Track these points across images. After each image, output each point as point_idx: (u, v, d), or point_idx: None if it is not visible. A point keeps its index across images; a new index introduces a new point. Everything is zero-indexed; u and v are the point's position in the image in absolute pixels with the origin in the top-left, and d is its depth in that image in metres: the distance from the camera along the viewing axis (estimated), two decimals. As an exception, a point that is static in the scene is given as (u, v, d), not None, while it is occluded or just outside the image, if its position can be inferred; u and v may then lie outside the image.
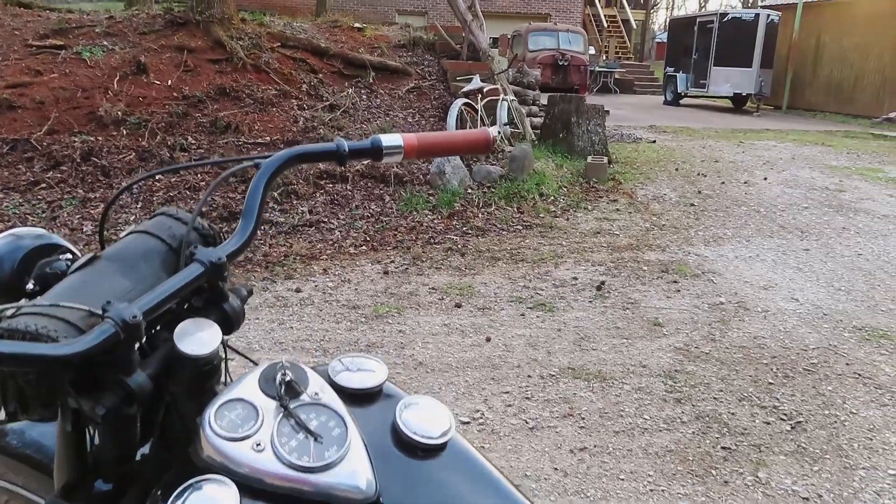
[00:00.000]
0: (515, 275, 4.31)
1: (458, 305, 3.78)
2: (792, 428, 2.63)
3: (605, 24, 25.29)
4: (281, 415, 0.69)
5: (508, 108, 7.64)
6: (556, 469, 2.34)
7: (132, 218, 4.77)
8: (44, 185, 5.08)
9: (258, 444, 0.65)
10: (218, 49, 7.25)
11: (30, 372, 0.64)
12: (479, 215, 5.45)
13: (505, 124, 7.43)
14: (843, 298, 4.04)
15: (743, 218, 5.88)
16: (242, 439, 0.66)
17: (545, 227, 5.35)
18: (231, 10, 7.84)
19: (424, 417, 0.76)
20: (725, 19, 16.34)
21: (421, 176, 5.98)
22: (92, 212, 4.83)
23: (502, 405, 2.74)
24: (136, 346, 0.68)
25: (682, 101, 17.61)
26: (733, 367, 3.13)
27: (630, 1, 26.66)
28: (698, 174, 7.63)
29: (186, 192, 5.13)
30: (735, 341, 3.41)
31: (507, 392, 2.84)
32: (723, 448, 2.48)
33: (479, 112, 7.02)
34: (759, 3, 21.77)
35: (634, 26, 26.57)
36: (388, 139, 0.96)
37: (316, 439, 0.67)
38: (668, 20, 25.88)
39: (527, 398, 2.81)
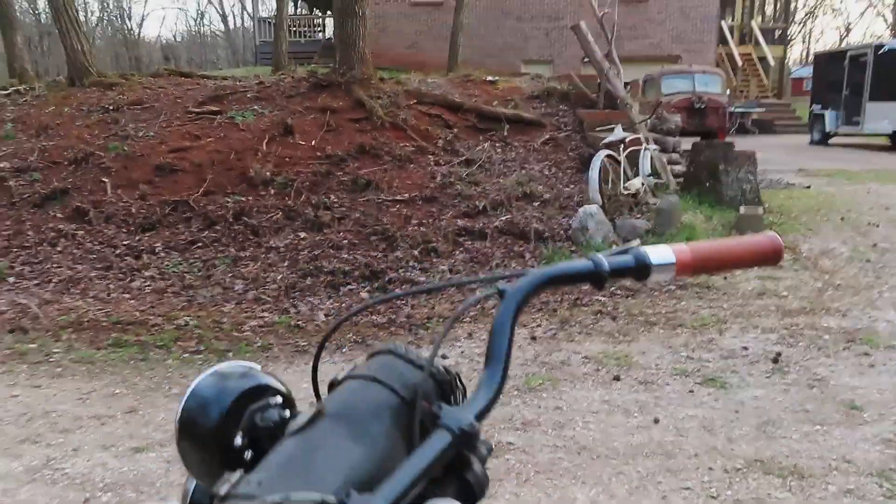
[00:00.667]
0: (675, 343, 3.94)
1: (617, 378, 3.47)
2: None
3: (740, 63, 24.17)
4: None
5: (651, 158, 7.28)
6: None
7: (279, 276, 4.85)
8: (200, 244, 5.34)
9: None
10: (358, 108, 7.47)
11: None
12: (627, 273, 5.11)
13: (648, 175, 7.07)
14: None
15: (935, 276, 5.15)
16: None
17: (701, 287, 4.92)
18: (370, 71, 8.10)
19: None
20: (882, 51, 15.06)
21: (562, 231, 5.75)
22: (242, 270, 4.98)
23: (684, 505, 2.40)
24: None
25: (830, 141, 16.31)
26: (965, 468, 2.60)
27: (765, 36, 25.39)
28: (868, 224, 6.86)
29: (330, 251, 5.19)
30: (960, 434, 2.86)
31: (688, 488, 2.50)
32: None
33: (622, 164, 6.72)
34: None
35: (772, 63, 25.22)
36: (657, 254, 0.75)
37: None
38: (809, 54, 24.37)
39: (712, 497, 2.45)
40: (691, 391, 3.31)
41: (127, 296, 4.79)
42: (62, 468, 2.92)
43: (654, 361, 3.67)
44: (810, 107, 17.50)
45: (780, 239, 0.81)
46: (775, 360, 3.63)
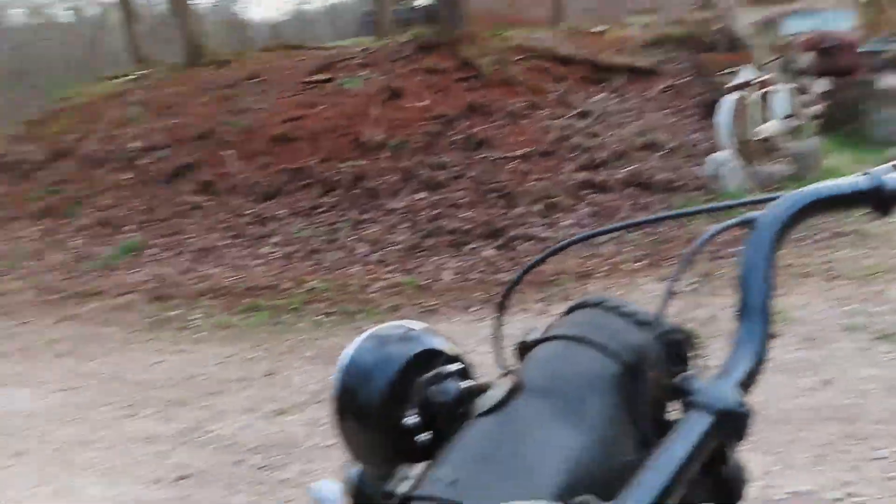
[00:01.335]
0: (837, 295, 3.56)
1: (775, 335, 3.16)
2: None
3: (873, -6, 21.90)
4: None
5: (786, 100, 6.66)
6: None
7: (401, 237, 4.82)
8: (321, 209, 5.40)
9: None
10: (465, 67, 7.29)
11: None
12: (769, 223, 4.70)
13: (783, 118, 6.48)
14: None
15: None
16: None
17: (858, 234, 4.44)
18: (475, 30, 7.89)
19: None
20: None
21: (691, 181, 5.37)
22: (364, 233, 4.99)
23: (880, 476, 2.12)
24: None
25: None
26: None
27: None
28: None
29: (449, 210, 5.10)
30: None
31: (883, 457, 2.21)
32: None
33: (753, 108, 6.18)
34: None
35: (911, -9, 22.70)
36: None
37: None
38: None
39: (911, 466, 2.15)
40: (865, 349, 2.96)
41: (257, 262, 4.92)
42: (211, 430, 3.00)
43: (816, 316, 3.33)
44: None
45: None
46: (962, 313, 3.20)
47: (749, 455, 2.11)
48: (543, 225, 4.84)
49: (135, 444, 2.95)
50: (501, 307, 0.63)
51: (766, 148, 6.03)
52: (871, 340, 3.03)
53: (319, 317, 4.05)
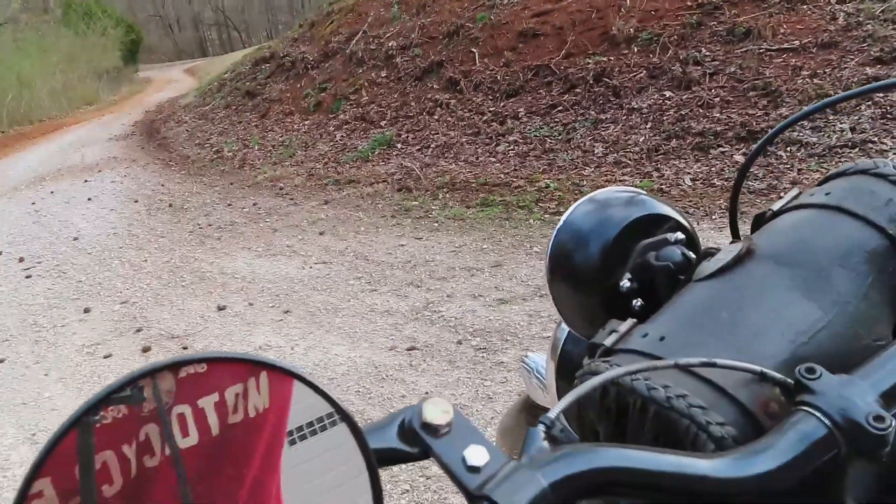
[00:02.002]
0: None
1: None
2: None
3: None
4: None
5: None
6: None
7: (641, 139, 4.54)
8: (560, 107, 5.26)
9: None
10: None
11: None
12: None
13: None
14: None
15: None
16: None
17: None
18: None
19: None
20: None
21: None
22: (602, 133, 4.78)
23: None
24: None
25: None
26: None
27: None
28: None
29: (699, 110, 4.65)
30: None
31: None
32: None
33: None
34: None
35: None
36: None
37: None
38: None
39: None
40: None
41: (493, 159, 5.00)
42: (439, 311, 3.21)
43: None
44: None
45: None
46: None
47: None
48: (812, 128, 4.20)
49: (374, 315, 3.28)
50: (742, 174, 0.60)
51: None
52: None
53: (549, 215, 4.04)
